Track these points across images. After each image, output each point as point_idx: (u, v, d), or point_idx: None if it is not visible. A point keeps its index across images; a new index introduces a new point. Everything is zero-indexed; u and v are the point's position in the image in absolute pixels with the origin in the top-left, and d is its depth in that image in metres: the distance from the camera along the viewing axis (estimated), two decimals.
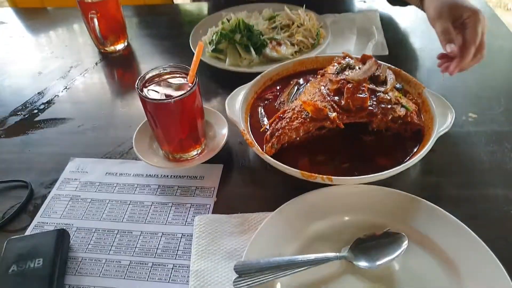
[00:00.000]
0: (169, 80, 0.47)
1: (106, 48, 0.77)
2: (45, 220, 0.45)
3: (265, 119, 0.53)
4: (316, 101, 0.49)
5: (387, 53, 0.70)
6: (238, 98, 0.53)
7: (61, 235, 0.40)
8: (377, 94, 0.48)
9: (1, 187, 0.50)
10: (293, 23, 0.73)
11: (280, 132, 0.47)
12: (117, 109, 0.63)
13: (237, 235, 0.40)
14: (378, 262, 0.36)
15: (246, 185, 0.49)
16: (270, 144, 0.47)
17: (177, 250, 0.40)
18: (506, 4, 2.32)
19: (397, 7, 0.78)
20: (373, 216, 0.41)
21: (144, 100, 0.44)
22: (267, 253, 0.37)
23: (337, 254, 0.37)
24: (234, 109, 0.51)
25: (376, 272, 0.36)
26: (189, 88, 0.44)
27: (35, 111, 0.64)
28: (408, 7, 0.72)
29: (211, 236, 0.40)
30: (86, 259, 0.40)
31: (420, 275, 0.36)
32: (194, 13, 0.91)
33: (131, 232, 0.43)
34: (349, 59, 0.56)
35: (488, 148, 0.51)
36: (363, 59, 0.56)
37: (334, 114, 0.46)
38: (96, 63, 0.75)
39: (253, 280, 0.34)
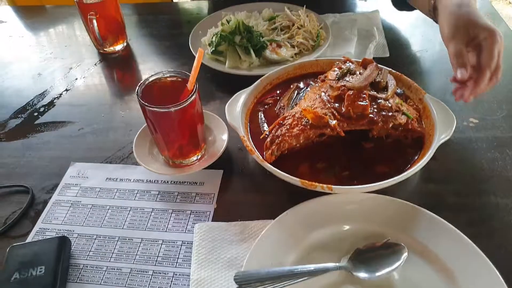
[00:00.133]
0: (169, 86, 0.47)
1: (105, 49, 0.76)
2: (47, 226, 0.45)
3: (265, 124, 0.53)
4: (317, 107, 0.48)
5: (388, 55, 0.70)
6: (238, 103, 0.53)
7: (63, 243, 0.40)
8: (378, 101, 0.48)
9: (3, 192, 0.50)
10: (293, 24, 0.72)
11: (280, 139, 0.47)
12: (117, 112, 0.63)
13: (237, 243, 0.40)
14: (378, 273, 0.36)
15: (246, 191, 0.49)
16: (270, 151, 0.46)
17: (177, 258, 0.41)
18: None
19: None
20: (373, 225, 0.41)
21: (144, 107, 0.44)
22: (267, 262, 0.37)
23: (337, 264, 0.37)
24: (234, 115, 0.51)
25: (376, 282, 0.36)
26: (189, 96, 0.44)
27: (35, 113, 0.63)
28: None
29: (211, 245, 0.40)
30: (87, 267, 0.41)
31: (419, 286, 0.36)
32: (194, 12, 0.90)
33: (132, 239, 0.43)
34: (350, 63, 0.55)
35: (489, 155, 0.51)
36: (364, 63, 0.56)
37: (335, 121, 0.46)
38: (96, 64, 0.74)
39: None
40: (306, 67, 0.61)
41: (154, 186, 0.49)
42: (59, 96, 0.67)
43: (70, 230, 0.44)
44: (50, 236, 0.43)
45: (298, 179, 0.42)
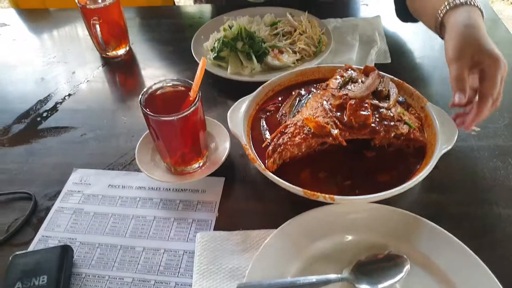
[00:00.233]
0: (172, 94, 0.47)
1: (107, 53, 0.76)
2: (49, 234, 0.45)
3: (267, 132, 0.53)
4: (318, 116, 0.48)
5: (389, 61, 0.70)
6: (240, 111, 0.53)
7: (65, 251, 0.41)
8: (380, 110, 0.48)
9: (6, 199, 0.50)
10: (295, 30, 0.72)
11: (282, 147, 0.47)
12: (120, 118, 0.63)
13: (239, 253, 0.41)
14: (380, 285, 0.36)
15: (248, 199, 0.49)
16: (272, 160, 0.47)
17: (179, 267, 0.41)
18: None
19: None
20: (375, 235, 0.41)
21: (147, 116, 0.44)
22: (269, 273, 0.37)
23: (339, 275, 0.37)
24: (236, 122, 0.51)
25: None
26: (192, 105, 0.44)
27: (38, 118, 0.64)
28: None
29: (213, 255, 0.40)
30: (89, 276, 0.41)
31: None
32: (196, 16, 0.90)
33: (134, 248, 0.43)
34: (352, 71, 0.55)
35: (491, 164, 0.51)
36: (366, 71, 0.56)
37: (337, 131, 0.46)
38: (98, 68, 0.74)
39: None
40: (307, 74, 0.61)
41: (156, 193, 0.49)
42: (62, 101, 0.67)
43: (72, 238, 0.45)
44: (53, 245, 0.43)
45: (300, 189, 0.42)
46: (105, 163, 0.54)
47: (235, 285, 0.35)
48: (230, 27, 0.70)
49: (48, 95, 0.69)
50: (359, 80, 0.53)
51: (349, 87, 0.51)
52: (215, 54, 0.68)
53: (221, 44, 0.67)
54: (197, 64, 0.69)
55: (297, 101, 0.57)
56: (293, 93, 0.59)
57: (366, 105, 0.47)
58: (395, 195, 0.42)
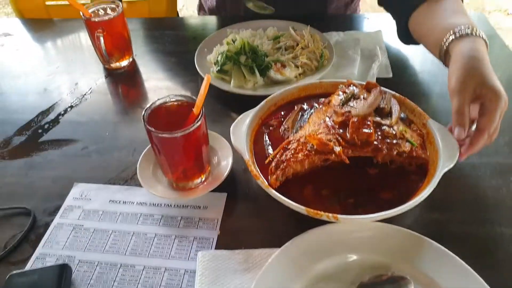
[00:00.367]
0: (175, 109, 0.47)
1: (111, 64, 0.77)
2: (47, 251, 0.44)
3: (270, 147, 0.53)
4: (321, 133, 0.48)
5: (391, 75, 0.70)
6: (243, 125, 0.53)
7: (63, 271, 0.40)
8: (382, 128, 0.48)
9: (4, 214, 0.49)
10: (297, 44, 0.73)
11: (285, 164, 0.47)
12: (122, 131, 0.63)
13: (241, 273, 0.40)
14: None
15: (250, 216, 0.48)
16: (275, 177, 0.46)
17: (180, 287, 0.40)
18: (507, 9, 2.29)
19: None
20: (378, 255, 0.41)
21: (150, 132, 0.44)
22: None
23: None
24: (239, 138, 0.51)
25: None
26: (196, 121, 0.44)
27: (40, 130, 0.63)
28: None
29: (214, 274, 0.40)
30: None
31: None
32: (199, 28, 0.91)
33: (134, 267, 0.42)
34: (354, 87, 0.56)
35: (493, 182, 0.51)
36: (368, 87, 0.56)
37: (339, 148, 0.46)
38: (101, 79, 0.75)
39: None
40: (310, 88, 0.61)
41: (157, 209, 0.49)
42: (64, 113, 0.67)
43: (71, 256, 0.44)
44: (51, 263, 0.43)
45: (303, 207, 0.42)
46: (106, 177, 0.54)
47: None
48: (233, 41, 0.71)
49: (50, 107, 0.68)
50: (361, 97, 0.53)
51: (351, 103, 0.52)
52: (219, 68, 0.68)
53: (224, 58, 0.68)
54: (200, 76, 0.70)
55: (299, 116, 0.57)
56: (296, 107, 0.59)
57: (368, 122, 0.47)
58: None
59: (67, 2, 0.81)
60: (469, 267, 0.38)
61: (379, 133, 0.48)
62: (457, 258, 0.39)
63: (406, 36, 0.67)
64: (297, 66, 0.70)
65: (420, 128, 0.53)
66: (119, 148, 0.59)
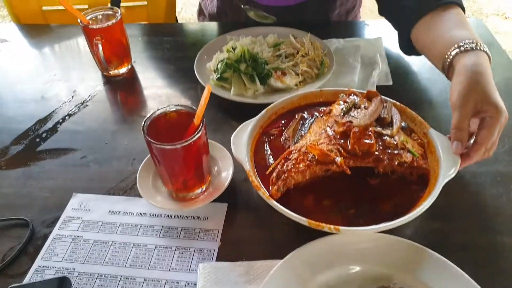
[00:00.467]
0: (175, 120, 0.47)
1: (109, 72, 0.76)
2: (46, 263, 0.44)
3: (271, 157, 0.53)
4: (322, 143, 0.48)
5: (391, 83, 0.70)
6: (244, 135, 0.53)
7: (62, 284, 0.39)
8: (384, 138, 0.48)
9: (1, 225, 0.49)
10: (297, 52, 0.73)
11: (286, 175, 0.46)
12: (121, 140, 0.62)
13: (243, 285, 0.40)
14: None
15: (251, 226, 0.48)
16: (276, 187, 0.46)
17: None
18: (504, 13, 2.30)
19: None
20: (380, 266, 0.41)
21: (150, 143, 0.44)
22: None
23: None
24: (240, 148, 0.51)
25: None
26: (196, 132, 0.44)
27: (37, 139, 0.63)
28: None
29: (216, 287, 0.39)
30: None
31: None
32: (198, 34, 0.91)
33: (134, 279, 0.42)
34: (355, 96, 0.56)
35: (493, 191, 0.51)
36: (369, 96, 0.56)
37: (341, 158, 0.46)
38: (100, 87, 0.74)
39: None
40: (310, 97, 0.61)
41: (158, 220, 0.48)
42: (62, 121, 0.67)
43: (70, 268, 0.43)
44: (50, 275, 0.42)
45: (305, 219, 0.42)
46: (105, 188, 0.53)
47: None
48: (233, 49, 0.71)
49: (48, 115, 0.68)
50: (362, 106, 0.53)
51: (352, 113, 0.52)
52: (218, 75, 0.68)
53: (224, 66, 0.68)
54: (200, 83, 0.70)
55: (300, 125, 0.57)
56: (296, 116, 0.59)
57: (369, 133, 0.47)
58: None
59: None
60: (470, 278, 0.38)
61: (380, 143, 0.48)
62: (458, 268, 0.39)
63: (408, 47, 0.67)
64: (297, 74, 0.70)
65: (421, 137, 0.53)
66: (118, 158, 0.59)
